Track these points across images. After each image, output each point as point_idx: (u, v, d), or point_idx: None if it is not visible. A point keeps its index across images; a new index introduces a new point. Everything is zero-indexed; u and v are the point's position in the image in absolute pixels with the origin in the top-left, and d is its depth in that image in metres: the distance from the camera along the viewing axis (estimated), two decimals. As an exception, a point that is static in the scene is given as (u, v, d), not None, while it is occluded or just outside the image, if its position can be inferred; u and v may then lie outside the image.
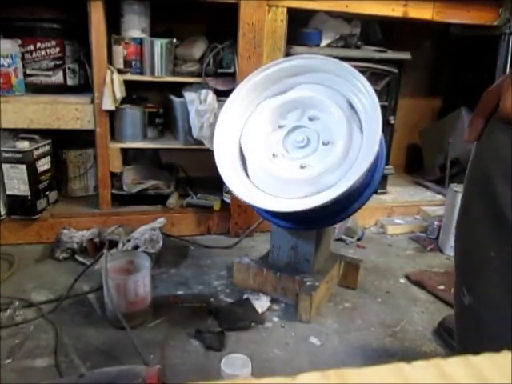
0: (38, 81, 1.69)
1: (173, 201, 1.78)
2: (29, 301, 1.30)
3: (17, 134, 1.61)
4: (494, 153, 0.67)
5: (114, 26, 1.64)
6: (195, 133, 1.66)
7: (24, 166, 1.54)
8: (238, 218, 1.81)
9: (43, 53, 1.66)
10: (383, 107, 1.85)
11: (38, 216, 1.62)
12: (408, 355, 1.18)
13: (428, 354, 1.19)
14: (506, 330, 0.65)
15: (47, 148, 1.66)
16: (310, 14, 1.84)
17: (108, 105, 1.59)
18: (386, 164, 1.81)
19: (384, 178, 2.08)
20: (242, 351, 1.10)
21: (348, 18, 1.89)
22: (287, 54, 1.70)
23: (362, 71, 1.22)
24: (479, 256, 0.70)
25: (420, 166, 2.43)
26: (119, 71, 1.62)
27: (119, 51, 1.62)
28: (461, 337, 0.80)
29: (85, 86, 1.76)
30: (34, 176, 1.58)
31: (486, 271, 0.68)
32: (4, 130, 1.58)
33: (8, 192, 1.57)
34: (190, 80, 1.72)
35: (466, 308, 0.74)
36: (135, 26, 1.66)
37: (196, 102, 1.63)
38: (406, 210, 2.09)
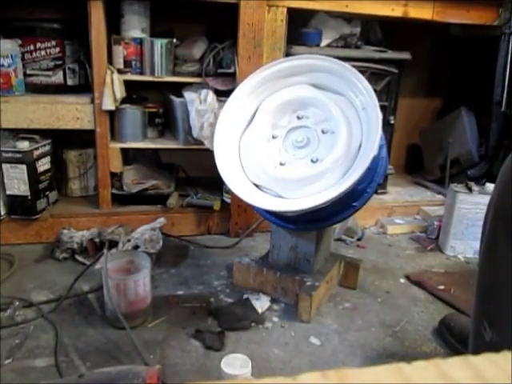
0: (38, 81, 1.69)
1: (173, 201, 1.78)
2: (29, 301, 1.30)
3: (17, 134, 1.61)
4: None
5: (114, 26, 1.64)
6: (195, 133, 1.66)
7: (24, 166, 1.54)
8: (238, 217, 1.81)
9: (43, 53, 1.66)
10: (383, 107, 1.86)
11: (38, 216, 1.62)
12: (408, 355, 1.18)
13: (428, 354, 1.19)
14: None
15: (47, 148, 1.66)
16: (310, 13, 1.84)
17: (108, 105, 1.59)
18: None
19: (384, 178, 2.08)
20: (241, 351, 1.10)
21: (348, 17, 1.89)
22: (287, 54, 1.70)
23: (362, 71, 1.22)
24: (506, 293, 0.67)
25: (420, 166, 2.43)
26: (119, 71, 1.62)
27: (119, 51, 1.62)
28: None
29: (85, 86, 1.76)
30: (34, 176, 1.58)
31: None
32: (4, 130, 1.58)
33: (8, 192, 1.57)
34: (190, 80, 1.72)
35: (487, 344, 0.72)
36: (135, 26, 1.66)
37: (196, 102, 1.63)
38: (405, 209, 2.09)
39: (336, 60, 1.20)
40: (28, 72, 1.66)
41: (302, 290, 1.30)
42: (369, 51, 1.92)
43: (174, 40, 1.69)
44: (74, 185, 1.87)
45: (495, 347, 0.69)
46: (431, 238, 1.91)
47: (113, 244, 1.52)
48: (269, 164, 1.22)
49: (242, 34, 1.63)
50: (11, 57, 1.59)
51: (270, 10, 1.64)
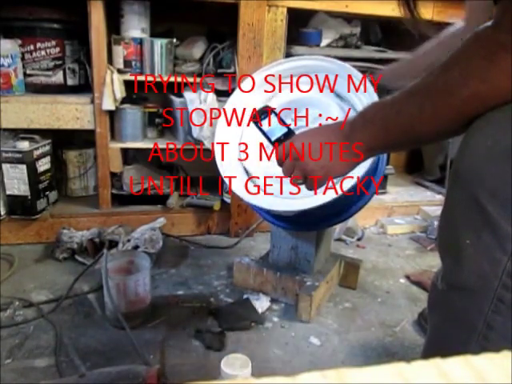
0: (38, 81, 1.69)
1: (173, 201, 1.78)
2: (29, 301, 1.30)
3: (17, 134, 1.61)
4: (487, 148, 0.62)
5: (114, 26, 1.64)
6: (195, 133, 1.66)
7: (24, 166, 1.54)
8: (238, 217, 1.81)
9: (43, 53, 1.66)
10: (383, 107, 1.85)
11: (38, 216, 1.62)
12: (408, 355, 1.18)
13: (428, 354, 1.19)
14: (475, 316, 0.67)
15: (47, 148, 1.66)
16: (310, 13, 1.84)
17: (108, 105, 1.59)
18: (387, 164, 1.81)
19: (384, 178, 2.08)
20: (241, 351, 1.10)
21: (348, 17, 1.89)
22: (287, 54, 1.70)
23: (362, 71, 1.22)
24: (455, 243, 0.70)
25: (420, 166, 2.43)
26: (119, 71, 1.62)
27: (119, 51, 1.62)
28: (429, 321, 0.82)
29: (85, 86, 1.76)
30: (34, 176, 1.57)
31: (461, 258, 0.68)
32: (4, 130, 1.58)
33: (8, 192, 1.57)
34: (190, 80, 1.72)
35: (439, 292, 0.75)
36: (135, 26, 1.65)
37: (196, 102, 1.63)
38: (406, 209, 2.09)
39: (337, 61, 1.20)
40: (28, 72, 1.66)
41: (301, 290, 1.30)
42: (369, 51, 1.92)
43: (174, 40, 1.69)
44: (73, 185, 1.87)
45: (444, 294, 0.74)
46: (431, 238, 1.91)
47: (113, 244, 1.52)
48: (269, 164, 1.21)
49: (242, 33, 1.63)
50: (11, 57, 1.59)
51: (270, 10, 1.64)
